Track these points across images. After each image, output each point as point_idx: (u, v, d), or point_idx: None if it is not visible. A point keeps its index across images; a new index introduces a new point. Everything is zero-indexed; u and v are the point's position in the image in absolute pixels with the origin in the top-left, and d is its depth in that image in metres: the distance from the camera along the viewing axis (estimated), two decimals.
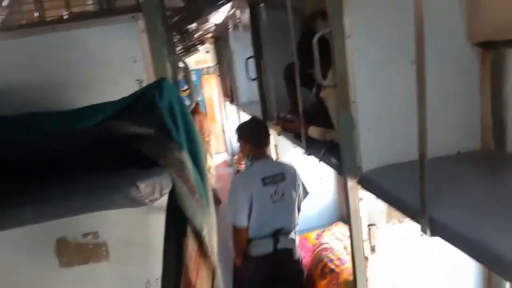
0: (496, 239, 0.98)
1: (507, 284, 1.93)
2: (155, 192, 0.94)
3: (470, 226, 1.08)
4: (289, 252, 2.63)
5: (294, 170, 2.78)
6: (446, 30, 1.62)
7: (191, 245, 1.20)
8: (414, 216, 1.28)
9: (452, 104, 1.69)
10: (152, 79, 1.45)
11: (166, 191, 1.00)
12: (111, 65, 1.48)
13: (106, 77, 1.48)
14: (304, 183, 2.82)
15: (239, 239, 2.55)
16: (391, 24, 1.60)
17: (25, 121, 1.19)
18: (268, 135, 2.82)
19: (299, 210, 2.76)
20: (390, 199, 1.50)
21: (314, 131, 2.33)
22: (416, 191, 1.22)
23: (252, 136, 2.76)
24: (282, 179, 2.63)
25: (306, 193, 2.84)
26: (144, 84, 1.45)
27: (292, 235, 2.68)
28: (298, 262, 2.73)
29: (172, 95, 1.19)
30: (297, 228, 2.73)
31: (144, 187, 0.90)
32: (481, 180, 1.46)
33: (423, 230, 1.22)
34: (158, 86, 1.18)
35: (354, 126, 1.67)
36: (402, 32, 1.57)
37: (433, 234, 1.20)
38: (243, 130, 2.85)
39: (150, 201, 0.93)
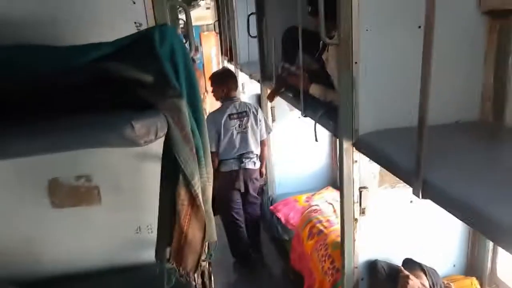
0: (486, 203, 0.98)
1: (491, 243, 1.98)
2: (150, 133, 0.93)
3: (461, 189, 1.08)
4: (250, 170, 3.51)
5: (257, 109, 3.56)
6: None
7: (183, 194, 1.20)
8: (408, 179, 1.29)
9: (455, 72, 1.66)
10: (152, 23, 1.40)
11: (161, 134, 0.99)
12: (109, 5, 1.42)
13: (103, 19, 1.43)
14: (267, 123, 3.65)
15: (212, 161, 3.05)
16: None
17: (21, 53, 1.15)
18: (236, 81, 3.65)
19: (261, 141, 3.61)
20: (384, 162, 1.51)
21: (315, 89, 2.35)
22: (411, 156, 1.22)
23: (222, 82, 3.53)
24: (246, 115, 3.44)
25: (269, 129, 3.67)
26: (143, 28, 1.41)
27: (253, 158, 3.52)
28: (257, 179, 3.63)
29: (174, 41, 1.15)
30: (256, 155, 3.56)
31: (139, 127, 0.89)
32: (477, 149, 1.46)
33: (415, 193, 1.23)
34: (159, 31, 1.14)
35: (355, 87, 1.64)
36: None
37: (424, 196, 1.20)
38: (215, 77, 3.66)
39: (145, 142, 0.92)
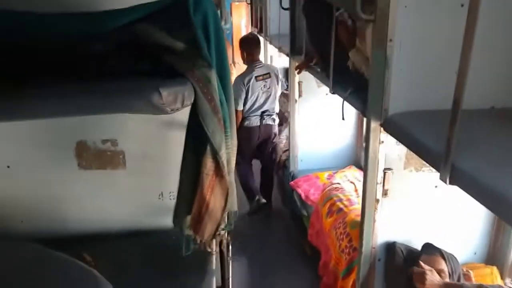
0: None
1: None
2: (177, 101, 0.92)
3: (491, 178, 1.04)
4: (270, 126, 3.98)
5: (277, 71, 4.02)
6: None
7: (209, 164, 1.21)
8: (436, 163, 1.25)
9: (495, 56, 1.58)
10: None
11: (188, 102, 0.99)
12: None
13: None
14: (283, 81, 4.14)
15: (237, 117, 3.20)
16: None
17: (54, 20, 1.16)
18: (259, 46, 4.04)
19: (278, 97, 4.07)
20: (412, 144, 1.47)
21: (355, 55, 2.12)
22: (441, 140, 1.18)
23: (247, 46, 3.93)
24: (269, 77, 3.83)
25: (284, 86, 4.19)
26: None
27: (273, 116, 3.98)
28: (275, 134, 4.10)
29: (209, 9, 1.13)
30: (275, 113, 4.04)
31: (166, 94, 0.88)
32: (510, 137, 1.40)
33: (443, 178, 1.20)
34: None
35: (387, 66, 1.59)
36: None
37: (451, 182, 1.17)
38: (241, 42, 4.08)
39: (171, 110, 0.92)
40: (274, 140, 4.10)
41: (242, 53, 3.94)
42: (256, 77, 3.75)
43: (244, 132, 3.71)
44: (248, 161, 4.03)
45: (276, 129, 4.06)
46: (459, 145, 1.16)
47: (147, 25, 1.09)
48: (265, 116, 3.86)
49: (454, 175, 1.16)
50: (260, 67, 3.84)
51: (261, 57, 4.59)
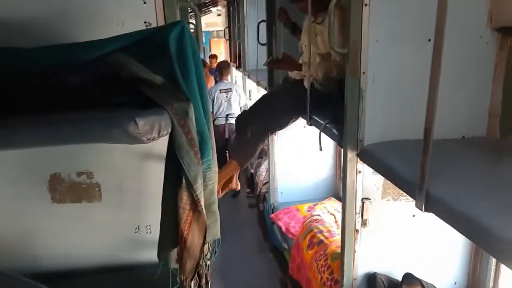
0: (490, 218, 0.96)
1: (493, 261, 1.95)
2: (153, 131, 0.92)
3: (465, 204, 1.06)
4: (232, 125, 5.12)
5: (238, 87, 5.74)
6: (468, 10, 1.57)
7: (185, 198, 1.19)
8: (411, 191, 1.27)
9: (463, 87, 1.65)
10: (161, 22, 1.41)
11: (165, 132, 0.98)
12: (120, 4, 1.43)
13: (113, 16, 1.44)
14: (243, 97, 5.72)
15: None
16: None
17: (32, 53, 1.16)
18: (228, 70, 5.81)
19: (240, 108, 5.58)
20: (388, 173, 1.49)
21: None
22: (415, 168, 1.21)
23: (220, 68, 5.76)
24: (230, 90, 5.46)
25: (244, 101, 5.75)
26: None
27: (235, 117, 4.61)
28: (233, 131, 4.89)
29: (188, 40, 1.15)
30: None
31: (142, 124, 0.88)
32: (482, 164, 1.44)
33: (418, 206, 1.21)
34: (172, 29, 1.13)
35: (361, 97, 1.63)
36: (422, 7, 1.53)
37: (427, 210, 1.19)
38: (217, 65, 6.16)
39: (148, 139, 0.91)
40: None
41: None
42: (220, 90, 5.44)
43: (215, 129, 4.69)
44: (222, 152, 4.92)
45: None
46: (433, 173, 1.18)
47: (125, 57, 1.10)
48: (229, 118, 5.38)
49: (429, 203, 1.18)
50: (225, 83, 5.55)
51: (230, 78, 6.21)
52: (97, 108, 1.04)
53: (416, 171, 1.21)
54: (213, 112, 5.25)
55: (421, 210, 1.20)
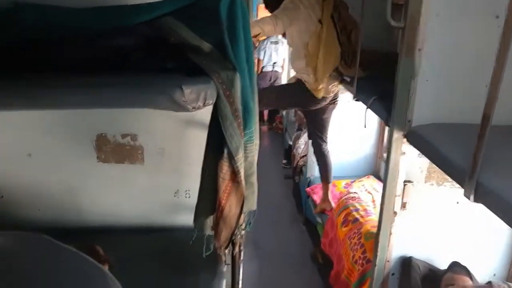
0: None
1: None
2: (199, 99, 0.91)
3: None
4: (277, 72, 6.58)
5: (282, 40, 6.29)
6: None
7: (225, 168, 1.18)
8: (460, 179, 1.20)
9: None
10: None
11: (210, 101, 0.97)
12: None
13: None
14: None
15: (258, 65, 6.48)
16: None
17: (80, 14, 1.16)
18: None
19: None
20: (436, 157, 1.42)
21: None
22: (466, 154, 1.14)
23: None
24: (277, 43, 6.39)
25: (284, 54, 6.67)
26: None
27: (278, 65, 6.60)
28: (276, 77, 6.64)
29: (237, 7, 1.11)
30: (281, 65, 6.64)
31: (188, 92, 0.87)
32: None
33: (467, 195, 1.15)
34: None
35: (415, 75, 1.54)
36: None
37: (476, 200, 1.13)
38: None
39: (193, 108, 0.90)
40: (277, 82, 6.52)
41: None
42: (271, 41, 6.34)
43: (263, 74, 6.47)
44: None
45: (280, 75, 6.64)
46: (484, 161, 1.11)
47: (174, 21, 1.08)
48: (274, 66, 6.49)
49: (479, 192, 1.11)
50: (274, 36, 6.24)
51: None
52: (144, 73, 1.04)
53: (466, 157, 1.14)
54: (263, 60, 6.37)
55: (470, 199, 1.14)
